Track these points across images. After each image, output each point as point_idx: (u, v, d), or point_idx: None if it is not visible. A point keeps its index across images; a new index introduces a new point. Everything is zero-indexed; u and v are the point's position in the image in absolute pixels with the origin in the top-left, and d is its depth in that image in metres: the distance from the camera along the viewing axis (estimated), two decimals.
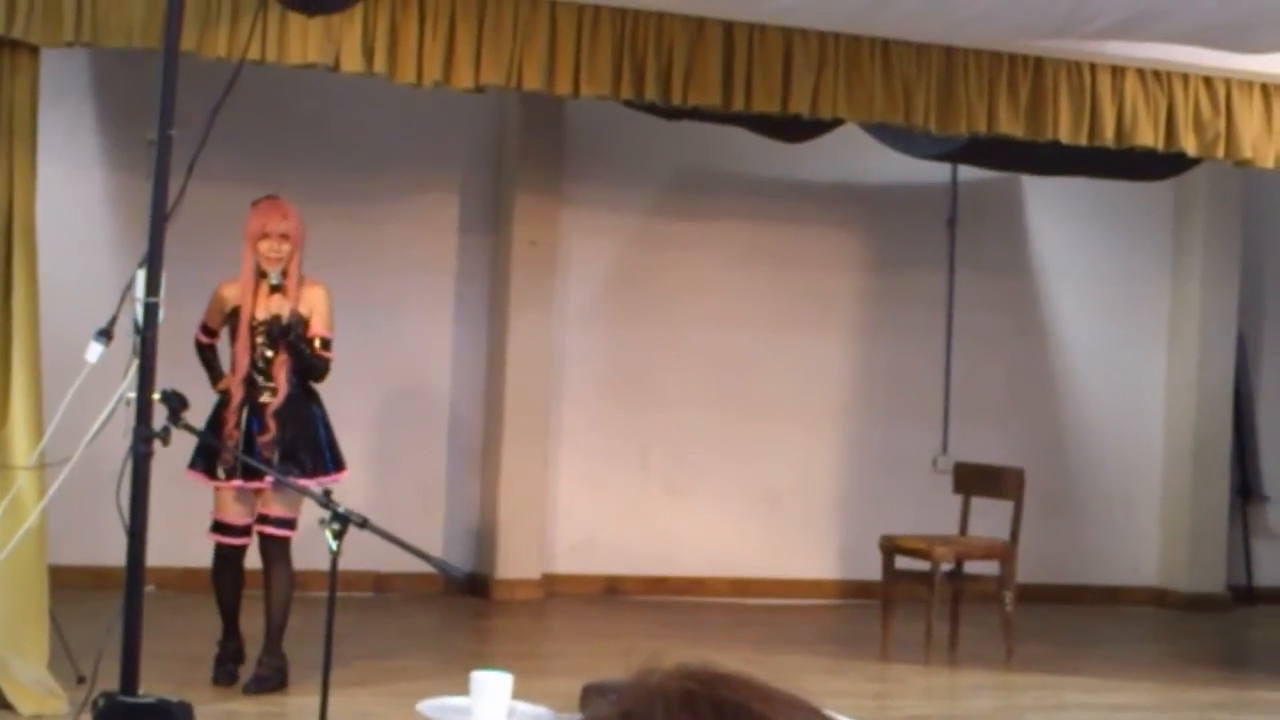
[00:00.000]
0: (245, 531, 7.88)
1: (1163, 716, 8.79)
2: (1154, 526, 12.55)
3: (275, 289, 7.78)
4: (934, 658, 9.62)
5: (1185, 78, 8.73)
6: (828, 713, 1.24)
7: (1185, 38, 7.95)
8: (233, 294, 7.90)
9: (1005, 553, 9.85)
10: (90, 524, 7.95)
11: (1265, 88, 8.88)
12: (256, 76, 7.98)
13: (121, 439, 5.67)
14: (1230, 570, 12.53)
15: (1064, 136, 8.61)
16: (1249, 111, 8.84)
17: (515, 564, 11.03)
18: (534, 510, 11.13)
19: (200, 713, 5.47)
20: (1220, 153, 8.86)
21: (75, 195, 10.08)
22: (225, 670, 7.91)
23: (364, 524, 5.50)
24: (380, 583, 10.56)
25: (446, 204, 11.24)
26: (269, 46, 7.37)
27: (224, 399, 7.88)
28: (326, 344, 7.88)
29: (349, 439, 10.39)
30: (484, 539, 11.15)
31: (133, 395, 5.43)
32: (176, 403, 5.99)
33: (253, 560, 7.94)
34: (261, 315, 7.80)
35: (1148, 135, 8.69)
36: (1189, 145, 8.80)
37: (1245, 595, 12.56)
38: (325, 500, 5.57)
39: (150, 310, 5.45)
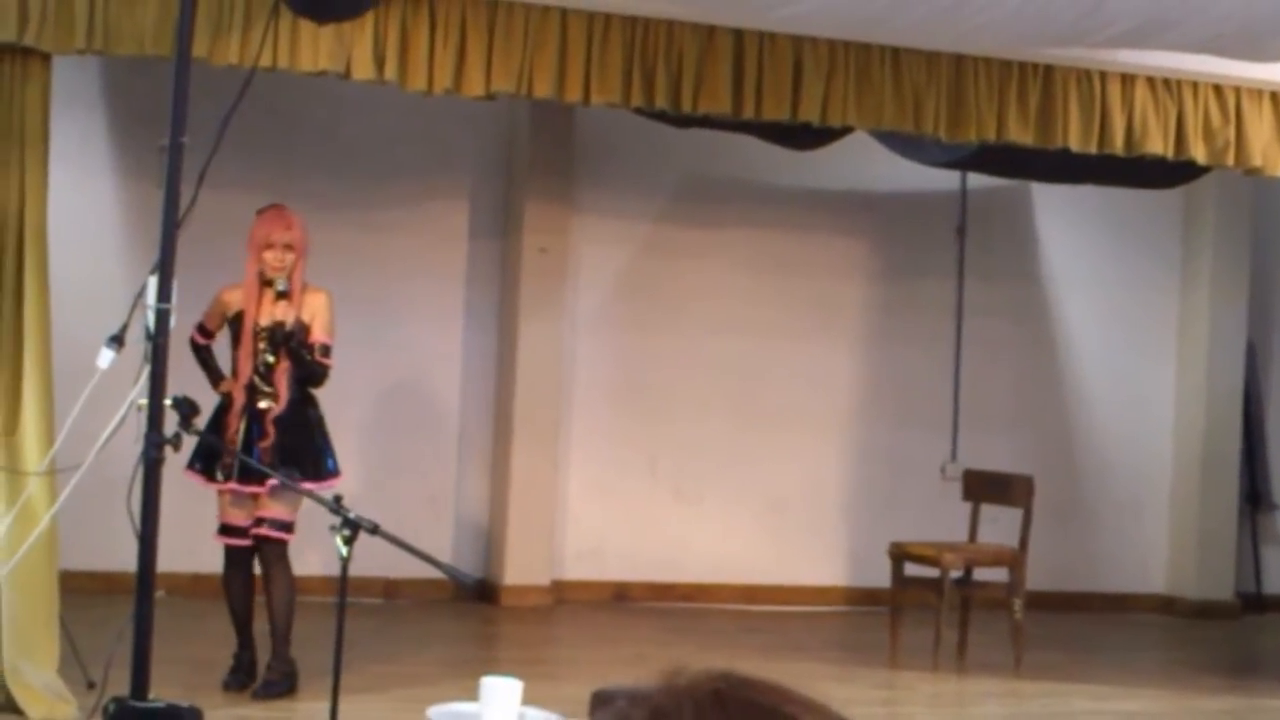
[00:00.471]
0: (249, 532, 7.92)
1: None
2: (1163, 534, 12.55)
3: (280, 296, 7.82)
4: (942, 665, 9.62)
5: (1195, 86, 8.73)
6: None
7: (1195, 46, 7.94)
8: (235, 299, 7.94)
9: (1014, 560, 9.85)
10: (100, 529, 7.95)
11: (1275, 96, 8.87)
12: (267, 84, 8.00)
13: (132, 445, 5.68)
14: (1239, 577, 12.52)
15: (1074, 144, 8.61)
16: (1259, 120, 8.84)
17: (524, 570, 11.04)
18: (543, 516, 11.14)
19: (210, 718, 5.48)
20: (1230, 161, 8.86)
21: (86, 202, 10.11)
22: (237, 678, 7.93)
23: (375, 530, 5.51)
24: (389, 589, 10.57)
25: (456, 211, 11.26)
26: (280, 54, 7.38)
27: (225, 402, 7.91)
28: (327, 350, 7.91)
29: (358, 445, 10.45)
30: (493, 545, 11.16)
31: (144, 401, 5.44)
32: (188, 409, 6.02)
33: None
34: (265, 321, 7.84)
35: (1157, 143, 8.70)
36: (1199, 153, 8.79)
37: (1254, 602, 12.55)
38: (336, 506, 5.58)
39: (162, 316, 5.47)
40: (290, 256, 7.83)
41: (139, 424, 5.49)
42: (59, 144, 7.65)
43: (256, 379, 7.85)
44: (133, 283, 6.40)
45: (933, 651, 9.58)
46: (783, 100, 8.19)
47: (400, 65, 7.61)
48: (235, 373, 7.91)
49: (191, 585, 9.69)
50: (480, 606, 10.85)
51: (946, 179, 11.73)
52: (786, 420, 11.74)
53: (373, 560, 7.55)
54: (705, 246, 11.59)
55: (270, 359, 7.84)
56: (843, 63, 8.25)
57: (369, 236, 10.88)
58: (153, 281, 5.55)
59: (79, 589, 8.44)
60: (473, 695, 5.40)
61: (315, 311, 7.92)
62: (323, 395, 8.15)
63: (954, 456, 12.02)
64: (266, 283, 7.85)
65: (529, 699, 5.40)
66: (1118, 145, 8.67)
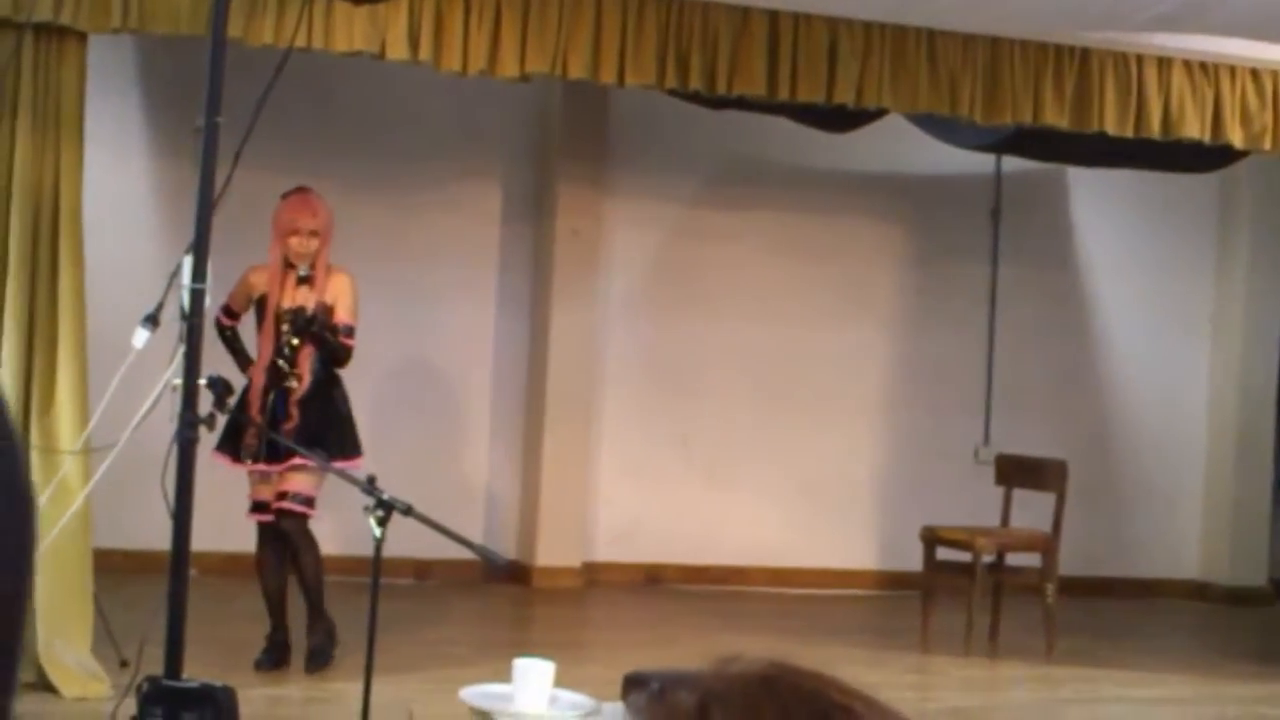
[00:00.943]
0: (272, 507, 7.96)
1: (1203, 710, 8.77)
2: (1196, 520, 12.50)
3: (303, 280, 7.84)
4: (974, 649, 9.61)
5: (1232, 70, 8.68)
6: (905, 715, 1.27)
7: (1233, 30, 7.91)
8: (262, 281, 7.96)
9: (1047, 545, 9.83)
10: (134, 508, 7.97)
11: None
12: (302, 65, 8.00)
13: (167, 424, 5.69)
14: (1272, 564, 12.47)
15: (1110, 128, 8.57)
16: None
17: (556, 552, 11.05)
18: (575, 499, 11.15)
19: (244, 697, 5.50)
20: (1267, 145, 8.82)
21: (121, 182, 10.13)
22: (270, 658, 7.95)
23: (408, 511, 5.52)
24: (421, 570, 10.58)
25: (489, 194, 11.26)
26: (315, 34, 7.39)
27: (252, 384, 7.94)
28: (350, 332, 7.93)
29: (390, 427, 10.46)
30: (525, 527, 11.17)
31: (179, 381, 5.45)
32: (222, 389, 6.03)
33: None
34: (288, 304, 7.86)
35: (1194, 127, 8.65)
36: (1235, 138, 8.75)
37: None
38: (370, 487, 5.59)
39: (197, 296, 5.47)
40: (315, 243, 7.85)
41: (174, 404, 5.50)
42: (94, 124, 7.66)
43: (281, 361, 7.87)
44: (167, 263, 6.40)
45: (964, 636, 9.56)
46: (818, 82, 8.17)
47: (435, 46, 7.61)
48: (257, 355, 7.94)
49: (224, 565, 9.71)
50: (511, 588, 10.86)
51: (981, 162, 11.69)
52: (819, 404, 11.72)
53: (404, 541, 7.55)
54: (738, 229, 11.57)
55: (295, 341, 7.86)
56: (878, 45, 8.22)
57: (402, 219, 10.89)
58: (188, 261, 5.56)
59: (112, 567, 8.46)
60: (505, 677, 5.41)
61: (338, 293, 7.94)
62: (355, 377, 8.16)
63: (987, 441, 11.99)
64: (290, 266, 7.88)
65: (561, 681, 5.41)
66: (1154, 129, 8.62)
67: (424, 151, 11.00)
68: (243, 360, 8.05)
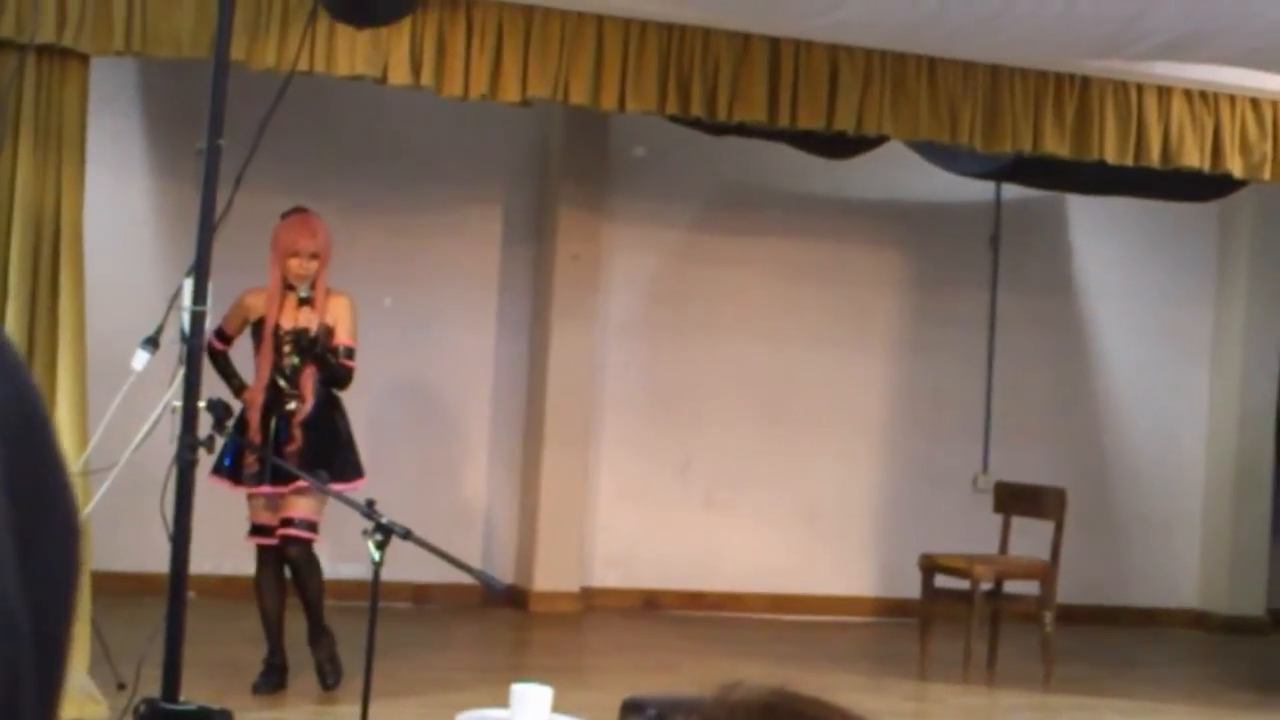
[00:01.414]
0: (275, 532, 7.94)
1: None
2: (1194, 548, 12.50)
3: (303, 302, 7.84)
4: (972, 677, 9.59)
5: (1232, 99, 8.70)
6: None
7: (1233, 59, 7.92)
8: (259, 304, 7.95)
9: (1045, 573, 9.82)
10: (133, 530, 7.97)
11: None
12: (303, 88, 8.02)
13: (166, 446, 5.70)
14: (1271, 593, 12.46)
15: (1109, 156, 8.59)
16: None
17: (554, 577, 11.04)
18: (573, 523, 11.14)
19: None
20: (1266, 175, 8.83)
21: (122, 203, 10.14)
22: (268, 681, 7.93)
23: (407, 535, 5.52)
24: (419, 594, 10.57)
25: (490, 217, 11.27)
26: (317, 58, 7.40)
27: (250, 406, 7.93)
28: (350, 353, 7.93)
29: (389, 449, 10.46)
30: (523, 551, 11.16)
31: (178, 404, 5.46)
32: (221, 411, 6.04)
33: None
34: (288, 325, 7.85)
35: (1194, 156, 8.67)
36: (1235, 167, 8.76)
37: None
38: (369, 511, 5.59)
39: (197, 319, 5.48)
40: (315, 264, 7.85)
41: (173, 426, 5.50)
42: (95, 145, 7.67)
43: (282, 382, 7.86)
44: (167, 284, 6.42)
45: (962, 664, 9.55)
46: (818, 109, 8.18)
47: (437, 70, 7.63)
48: (254, 375, 7.93)
49: (222, 587, 9.71)
50: (509, 613, 10.85)
51: (981, 189, 11.71)
52: (818, 430, 11.72)
53: (402, 565, 7.55)
54: (738, 254, 11.58)
55: (296, 362, 7.86)
56: (879, 72, 8.24)
57: (402, 241, 10.90)
58: (188, 283, 5.57)
59: (110, 589, 8.45)
60: (503, 702, 5.40)
61: (338, 315, 7.94)
62: (355, 399, 8.16)
63: (985, 468, 11.99)
64: (289, 288, 7.87)
65: (559, 706, 5.40)
66: (1154, 158, 8.64)
67: (425, 174, 11.02)
68: (235, 384, 8.02)
